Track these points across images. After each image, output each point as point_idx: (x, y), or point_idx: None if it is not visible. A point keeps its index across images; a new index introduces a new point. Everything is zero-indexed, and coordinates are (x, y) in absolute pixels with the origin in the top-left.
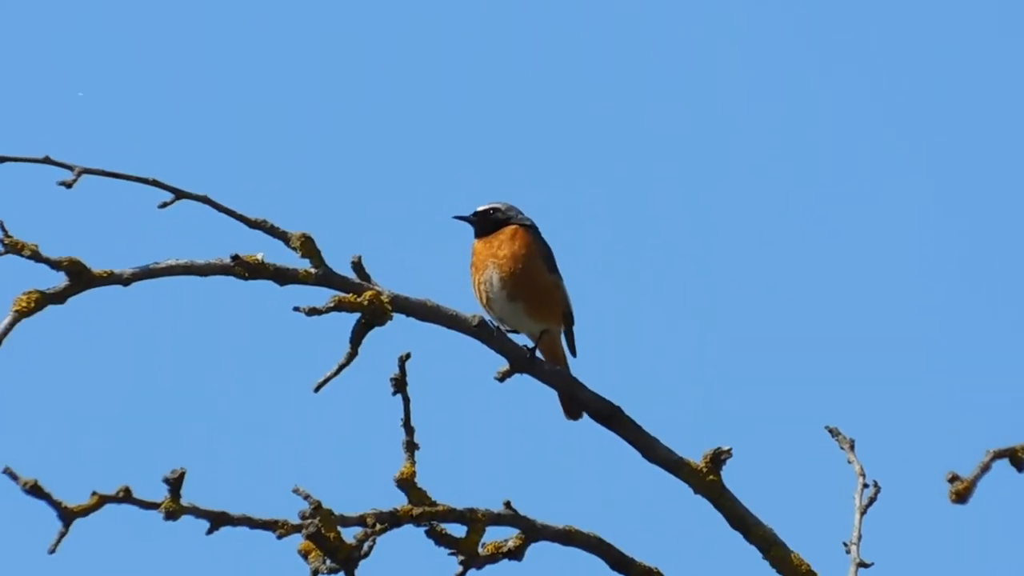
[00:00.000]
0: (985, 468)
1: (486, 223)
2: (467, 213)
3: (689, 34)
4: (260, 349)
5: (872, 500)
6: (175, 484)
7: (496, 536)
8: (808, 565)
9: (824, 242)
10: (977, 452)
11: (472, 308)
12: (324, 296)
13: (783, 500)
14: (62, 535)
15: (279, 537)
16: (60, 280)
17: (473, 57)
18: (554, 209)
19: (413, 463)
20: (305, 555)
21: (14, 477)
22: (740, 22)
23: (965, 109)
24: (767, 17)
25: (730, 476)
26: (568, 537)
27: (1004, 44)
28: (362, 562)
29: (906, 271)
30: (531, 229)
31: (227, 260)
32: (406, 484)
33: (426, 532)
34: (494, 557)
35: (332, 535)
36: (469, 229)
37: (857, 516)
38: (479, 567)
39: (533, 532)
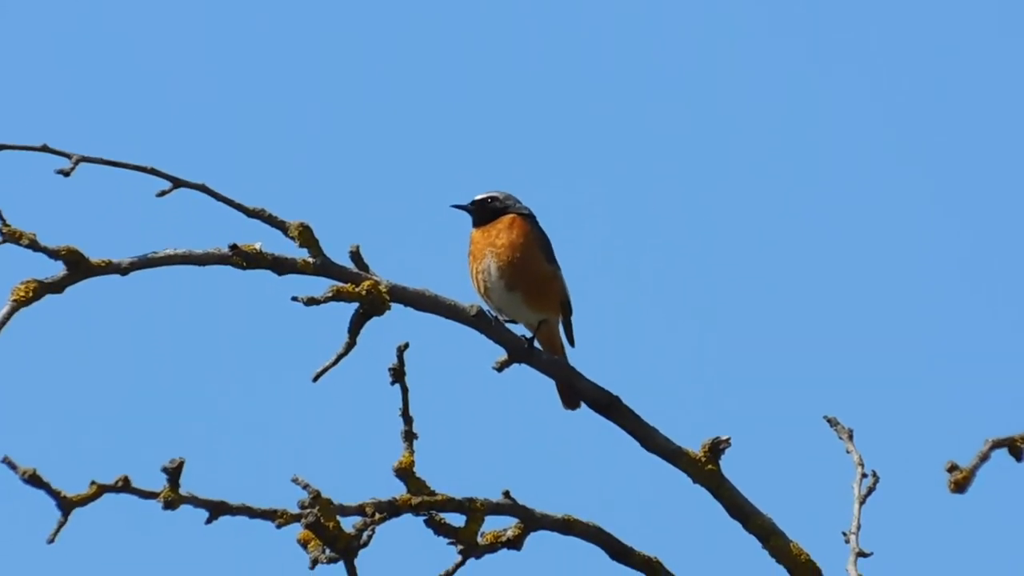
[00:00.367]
0: (984, 458)
1: (484, 212)
2: (465, 202)
3: (689, 30)
4: (258, 339)
5: (871, 490)
6: (174, 474)
7: (495, 525)
8: (807, 555)
9: (823, 234)
10: (976, 441)
11: (470, 298)
12: (322, 286)
13: (782, 490)
14: (61, 525)
15: (278, 527)
16: (58, 269)
17: (472, 50)
18: (552, 199)
19: (412, 453)
20: (304, 544)
21: (13, 467)
22: (740, 21)
23: (959, 105)
24: (767, 16)
25: (729, 466)
26: (567, 527)
27: (1004, 44)
28: (361, 551)
29: (905, 262)
30: (529, 218)
31: (225, 249)
32: (405, 474)
33: (425, 522)
34: (493, 546)
35: (331, 524)
36: (467, 219)
37: (856, 506)
38: (478, 557)
39: (532, 521)
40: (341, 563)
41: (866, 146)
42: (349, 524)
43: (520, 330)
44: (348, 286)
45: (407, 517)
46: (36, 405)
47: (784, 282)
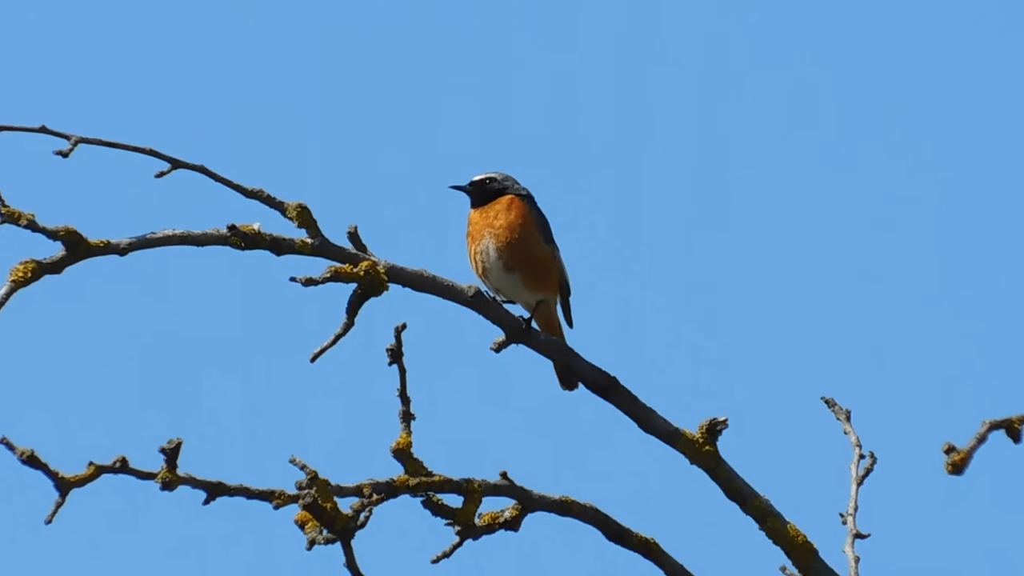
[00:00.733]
0: (981, 439)
1: (482, 193)
2: (463, 183)
3: (688, 27)
4: (256, 319)
5: (868, 471)
6: (172, 454)
7: (493, 506)
8: (804, 536)
9: (823, 215)
10: (973, 423)
11: (468, 279)
12: (320, 266)
13: (779, 471)
14: (59, 505)
15: (276, 507)
16: (57, 250)
17: (467, 33)
18: (551, 182)
19: (409, 433)
20: (302, 525)
21: (11, 447)
22: (739, 19)
23: (948, 99)
24: (766, 16)
25: (726, 447)
26: (564, 508)
27: (1004, 43)
28: (358, 532)
29: (902, 244)
30: (527, 199)
31: (224, 230)
32: (402, 455)
33: (422, 502)
34: (491, 527)
35: (329, 505)
36: (466, 200)
37: (853, 487)
38: (476, 537)
39: (529, 503)
40: (338, 544)
41: (855, 136)
42: (347, 505)
43: (518, 311)
44: (346, 267)
45: (405, 498)
46: (34, 386)
47: (782, 264)
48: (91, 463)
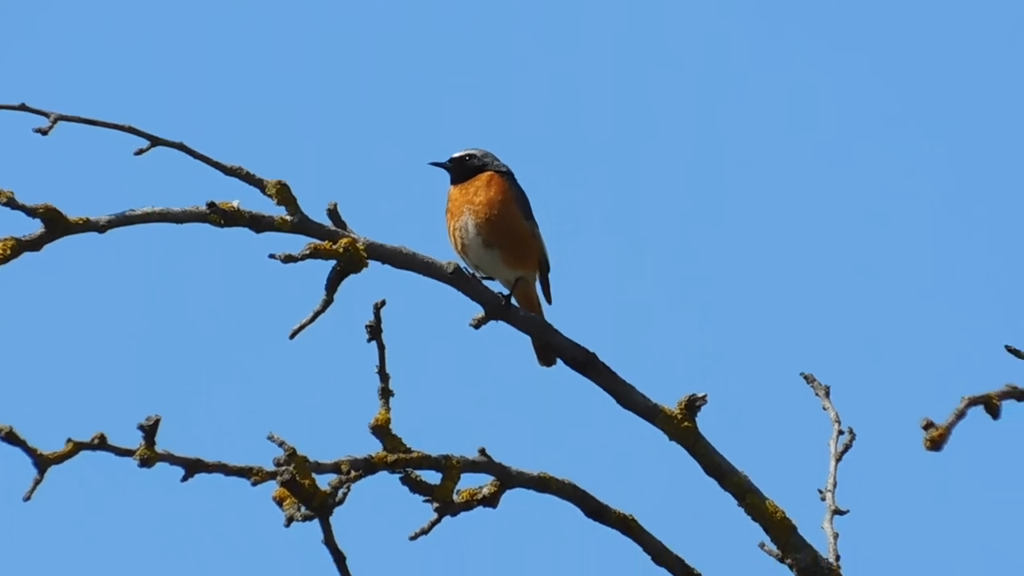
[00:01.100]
0: (960, 415)
1: (462, 169)
2: (443, 160)
3: (688, 27)
4: (236, 296)
5: (847, 447)
6: (150, 431)
7: (471, 483)
8: (783, 512)
9: (802, 192)
10: (952, 399)
11: (448, 255)
12: (300, 243)
13: (758, 447)
14: (37, 482)
15: (254, 484)
16: (36, 227)
17: (466, 28)
18: (530, 158)
19: (388, 410)
20: (280, 502)
21: None
22: (739, 20)
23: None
24: (766, 16)
25: (705, 423)
26: (543, 484)
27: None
28: (337, 509)
29: (880, 221)
30: (507, 175)
31: (203, 207)
32: (381, 431)
33: (401, 479)
34: (469, 504)
35: (307, 482)
36: (445, 176)
37: (832, 463)
38: (454, 514)
39: (508, 479)
40: (316, 521)
41: (842, 131)
42: (325, 482)
43: (497, 287)
44: (325, 243)
45: (383, 474)
46: (12, 363)
47: (761, 240)
48: (69, 440)
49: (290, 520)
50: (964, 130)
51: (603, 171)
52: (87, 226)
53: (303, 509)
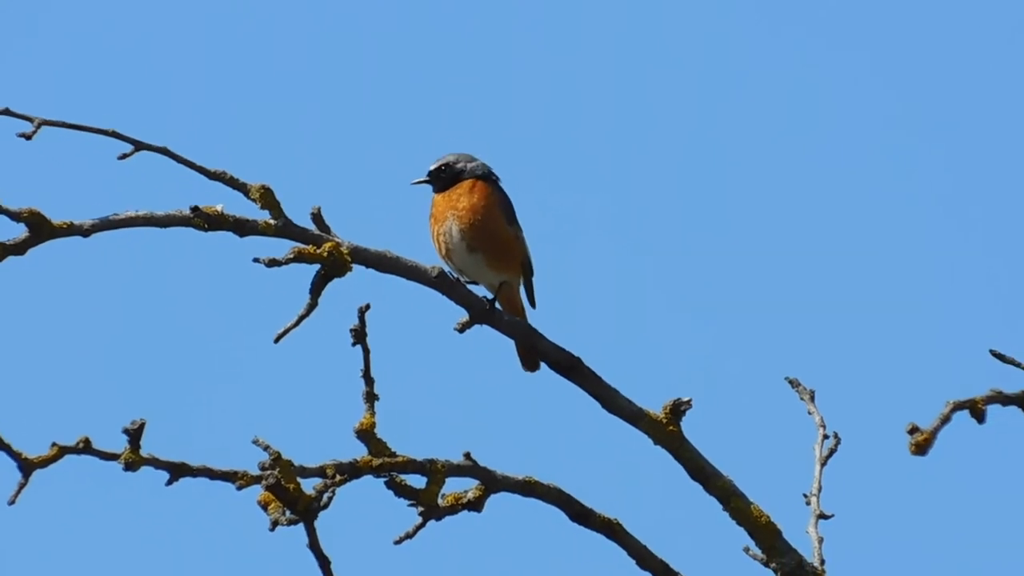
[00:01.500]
0: (945, 419)
1: (441, 180)
2: (422, 174)
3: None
4: (220, 300)
5: (832, 451)
6: (135, 435)
7: (456, 487)
8: (768, 516)
9: (788, 197)
10: (937, 403)
11: (432, 260)
12: (284, 247)
13: (743, 451)
14: (22, 486)
15: (239, 488)
16: (20, 231)
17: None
18: (514, 162)
19: (373, 414)
20: (264, 506)
21: None
22: (739, 20)
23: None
24: (766, 16)
25: (690, 427)
26: (528, 488)
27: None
28: (321, 513)
29: (867, 225)
30: (490, 180)
31: (187, 212)
32: (366, 435)
33: (386, 483)
34: (454, 508)
35: (291, 486)
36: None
37: (817, 467)
38: (439, 518)
39: (493, 483)
40: (301, 525)
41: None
42: (310, 486)
43: (482, 291)
44: (309, 247)
45: (368, 479)
46: None
47: (747, 244)
48: (54, 444)
49: (275, 524)
50: (960, 135)
51: (592, 173)
52: (71, 230)
53: (288, 513)
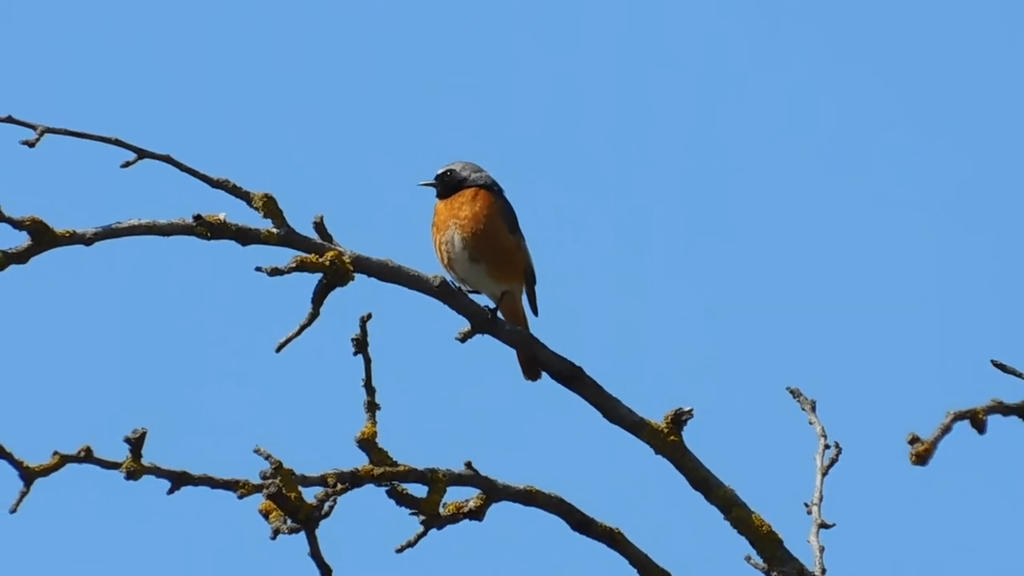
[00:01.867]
0: (946, 430)
1: (445, 184)
2: (430, 177)
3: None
4: (222, 309)
5: (833, 461)
6: (136, 444)
7: (457, 496)
8: (769, 526)
9: (788, 207)
10: (938, 413)
11: (434, 269)
12: (286, 256)
13: (744, 461)
14: (23, 495)
15: (240, 497)
16: (22, 240)
17: (463, 30)
18: (521, 164)
19: (374, 423)
20: (266, 515)
21: None
22: (739, 20)
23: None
24: (766, 16)
25: (691, 437)
26: (529, 497)
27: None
28: (323, 522)
29: (868, 235)
30: (492, 189)
31: (189, 220)
32: (367, 444)
33: (387, 492)
34: (455, 517)
35: (293, 495)
36: (431, 190)
37: (818, 477)
38: (440, 527)
39: (494, 492)
40: (303, 533)
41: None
42: (311, 495)
43: (483, 301)
44: (312, 256)
45: (369, 488)
46: None
47: (748, 254)
48: (56, 453)
49: (276, 533)
50: (965, 140)
51: (593, 180)
52: (73, 239)
53: (289, 522)
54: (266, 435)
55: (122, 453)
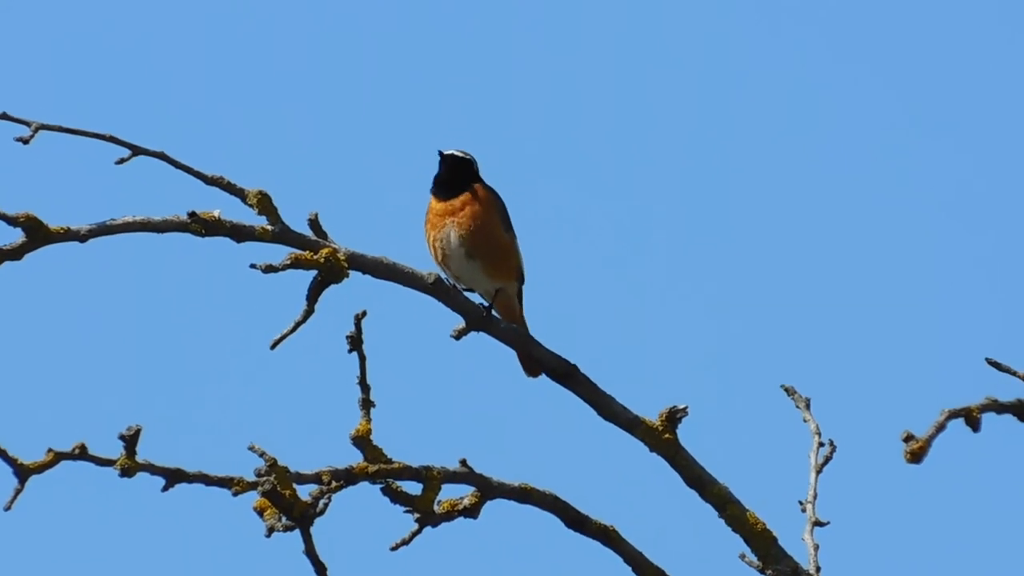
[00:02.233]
0: (940, 427)
1: (449, 171)
2: (424, 179)
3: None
4: (217, 306)
5: (828, 459)
6: (131, 441)
7: (452, 494)
8: (763, 523)
9: (782, 203)
10: (932, 411)
11: (428, 266)
12: (281, 253)
13: (739, 458)
14: (18, 492)
15: (235, 494)
16: (17, 236)
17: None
18: (518, 162)
19: (369, 421)
20: (260, 512)
21: None
22: (739, 20)
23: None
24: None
25: (686, 434)
26: (524, 495)
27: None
28: (317, 520)
29: (862, 232)
30: (488, 187)
31: (184, 217)
32: (362, 442)
33: (382, 490)
34: (450, 515)
35: (287, 492)
36: (426, 186)
37: (813, 475)
38: (435, 525)
39: (489, 490)
40: (297, 531)
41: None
42: (305, 492)
43: (478, 299)
44: (306, 253)
45: (364, 485)
46: None
47: (743, 252)
48: (50, 450)
49: (271, 530)
50: (961, 139)
51: (590, 178)
52: (68, 235)
53: (284, 519)
54: (261, 432)
55: (116, 450)
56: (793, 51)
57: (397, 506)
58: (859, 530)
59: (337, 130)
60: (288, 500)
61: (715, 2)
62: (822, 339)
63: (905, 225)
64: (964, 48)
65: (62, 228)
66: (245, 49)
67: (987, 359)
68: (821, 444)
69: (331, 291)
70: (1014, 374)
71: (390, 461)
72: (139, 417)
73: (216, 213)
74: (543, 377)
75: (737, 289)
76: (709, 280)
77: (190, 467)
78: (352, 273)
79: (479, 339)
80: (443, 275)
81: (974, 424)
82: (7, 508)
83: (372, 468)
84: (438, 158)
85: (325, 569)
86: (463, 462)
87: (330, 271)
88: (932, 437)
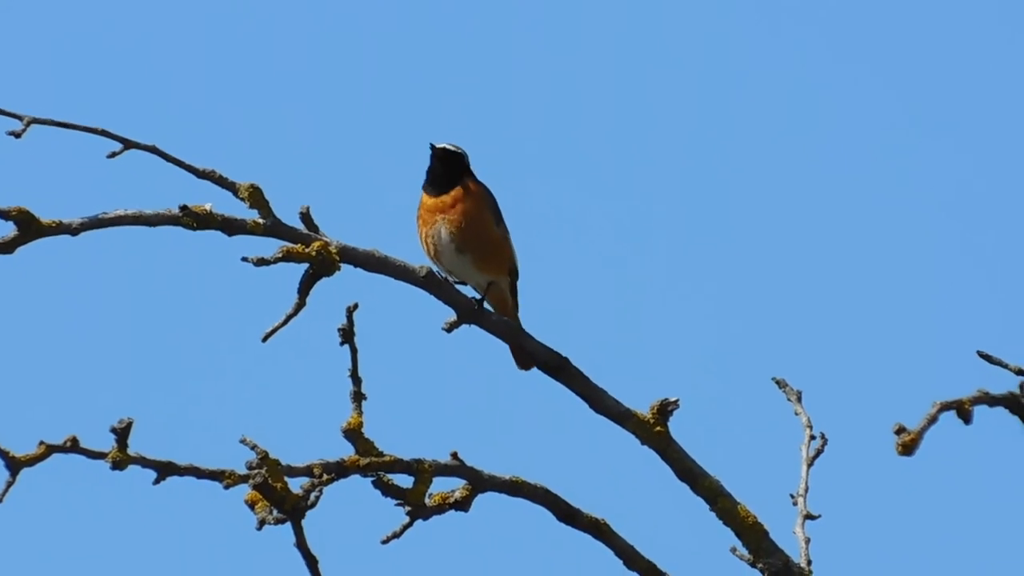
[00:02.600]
0: (932, 420)
1: (441, 165)
2: (416, 172)
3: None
4: (208, 299)
5: (819, 452)
6: (122, 434)
7: (443, 487)
8: (755, 517)
9: (774, 195)
10: (924, 404)
11: (420, 259)
12: (272, 246)
13: (730, 451)
14: (9, 484)
15: (226, 487)
16: (9, 230)
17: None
18: (510, 156)
19: (360, 413)
20: (252, 505)
21: None
22: (739, 20)
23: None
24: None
25: (677, 427)
26: (515, 488)
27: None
28: (309, 512)
29: (853, 225)
30: (479, 182)
31: (175, 210)
32: (353, 434)
33: (373, 483)
34: (441, 508)
35: (279, 485)
36: (418, 180)
37: (804, 468)
38: (426, 518)
39: (480, 483)
40: (288, 524)
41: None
42: (297, 485)
43: (470, 292)
44: (298, 247)
45: (355, 478)
46: None
47: (733, 244)
48: (41, 442)
49: (262, 523)
50: (951, 135)
51: (580, 170)
52: (60, 229)
53: (275, 512)
54: (252, 425)
55: (108, 443)
56: (793, 51)
57: (388, 499)
58: (851, 523)
59: (329, 124)
60: (279, 493)
61: (715, 2)
62: (814, 332)
63: (896, 220)
64: (964, 48)
65: (54, 222)
66: (237, 43)
67: (979, 352)
68: (812, 437)
69: (322, 284)
70: (1005, 367)
71: (381, 454)
72: (130, 410)
73: (208, 207)
74: (535, 370)
75: (729, 282)
76: (701, 273)
77: (181, 460)
78: (344, 266)
79: (471, 332)
80: (435, 269)
81: (966, 417)
82: None
83: (363, 461)
84: (430, 152)
85: (316, 562)
86: (454, 455)
87: (321, 264)
88: (924, 429)
